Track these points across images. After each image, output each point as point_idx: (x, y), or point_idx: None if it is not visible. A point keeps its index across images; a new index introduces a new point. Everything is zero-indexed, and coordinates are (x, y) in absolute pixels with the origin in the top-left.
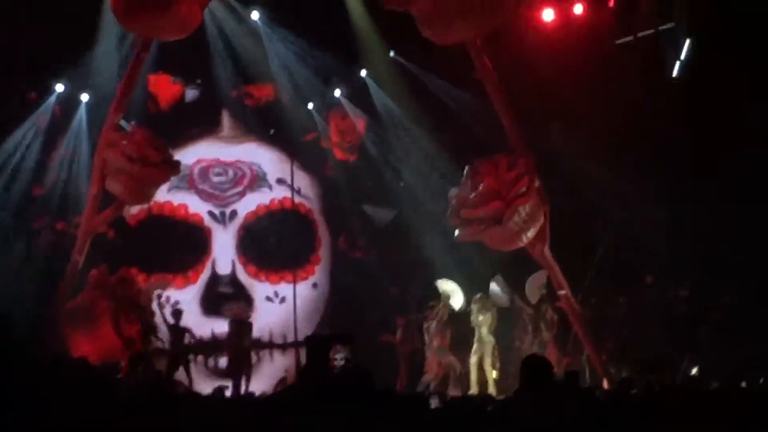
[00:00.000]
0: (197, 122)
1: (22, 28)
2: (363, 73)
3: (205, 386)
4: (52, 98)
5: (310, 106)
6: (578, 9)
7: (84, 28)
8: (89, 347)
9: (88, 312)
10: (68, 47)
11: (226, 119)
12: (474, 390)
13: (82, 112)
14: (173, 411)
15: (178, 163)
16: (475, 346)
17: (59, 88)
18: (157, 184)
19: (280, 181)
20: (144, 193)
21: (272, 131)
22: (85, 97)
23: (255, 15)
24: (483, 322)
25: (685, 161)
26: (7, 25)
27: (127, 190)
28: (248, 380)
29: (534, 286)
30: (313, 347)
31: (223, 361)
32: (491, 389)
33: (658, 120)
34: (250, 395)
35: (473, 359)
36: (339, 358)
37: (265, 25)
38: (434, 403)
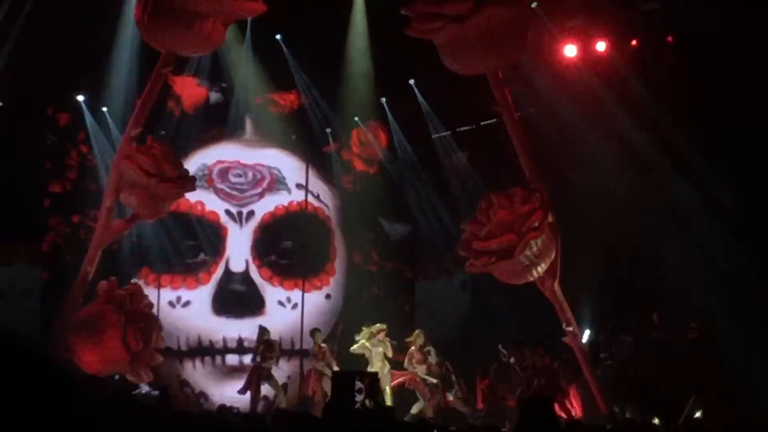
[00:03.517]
0: (220, 124)
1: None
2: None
3: (212, 386)
4: (84, 109)
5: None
6: (601, 47)
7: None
8: (94, 358)
9: (95, 323)
10: (86, 58)
11: (249, 124)
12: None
13: (103, 120)
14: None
15: (193, 180)
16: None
17: (80, 98)
18: (172, 200)
19: (299, 186)
20: (158, 208)
21: (294, 137)
22: (104, 109)
23: (278, 36)
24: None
25: (702, 201)
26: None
27: (142, 204)
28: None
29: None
30: (340, 383)
31: (231, 358)
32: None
33: (674, 159)
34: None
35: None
36: (360, 395)
37: (287, 47)
38: None
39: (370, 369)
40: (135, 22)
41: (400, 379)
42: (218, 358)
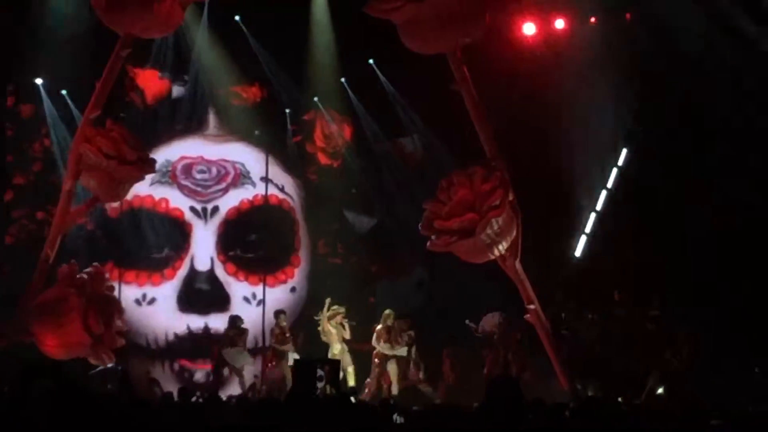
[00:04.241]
0: (183, 119)
1: None
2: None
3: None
4: (42, 93)
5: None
6: (560, 24)
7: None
8: (56, 342)
9: (57, 307)
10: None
11: (212, 118)
12: None
13: (63, 103)
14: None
15: (153, 162)
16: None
17: (39, 81)
18: (131, 182)
19: (263, 179)
20: (118, 191)
21: (257, 132)
22: (64, 92)
23: (237, 17)
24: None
25: (664, 178)
26: None
27: (102, 187)
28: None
29: (487, 326)
30: (301, 371)
31: (199, 374)
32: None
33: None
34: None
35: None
36: (321, 382)
37: (248, 29)
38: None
39: (330, 350)
40: (93, 3)
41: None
42: (186, 374)
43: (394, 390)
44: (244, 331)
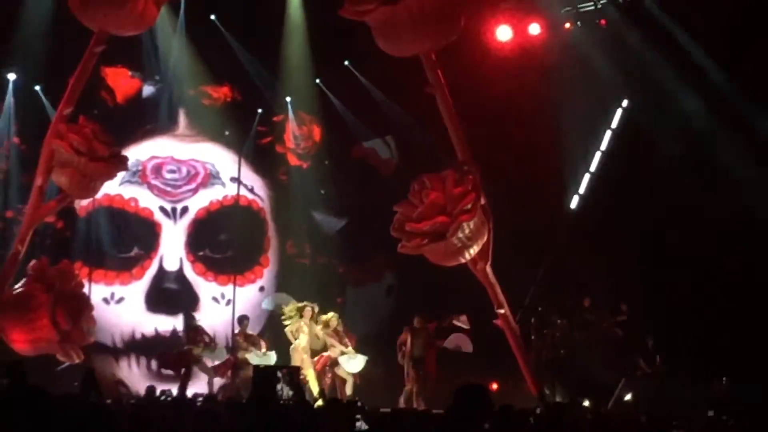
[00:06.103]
0: (153, 119)
1: None
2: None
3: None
4: (9, 88)
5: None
6: (535, 29)
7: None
8: (23, 338)
9: (25, 303)
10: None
11: (182, 118)
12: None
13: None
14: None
15: (125, 159)
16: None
17: (11, 77)
18: (103, 179)
19: (233, 179)
20: (90, 188)
21: (227, 132)
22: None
23: (212, 17)
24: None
25: (633, 179)
26: None
27: (73, 184)
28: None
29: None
30: (260, 377)
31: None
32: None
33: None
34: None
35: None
36: (282, 389)
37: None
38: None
39: (295, 345)
40: (68, 2)
41: (319, 366)
42: (153, 363)
43: (348, 390)
44: (199, 328)
